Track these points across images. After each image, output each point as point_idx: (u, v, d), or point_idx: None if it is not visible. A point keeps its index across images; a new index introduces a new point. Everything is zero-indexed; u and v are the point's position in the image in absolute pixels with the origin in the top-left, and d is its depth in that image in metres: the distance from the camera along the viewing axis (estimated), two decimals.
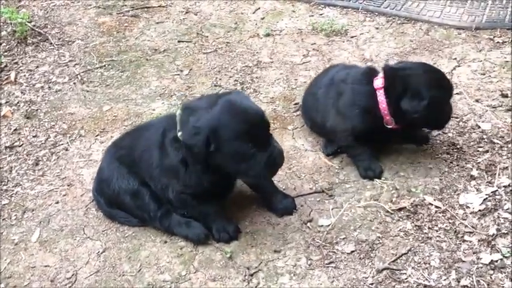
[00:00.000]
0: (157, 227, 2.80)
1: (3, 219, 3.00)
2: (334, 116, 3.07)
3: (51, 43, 4.43)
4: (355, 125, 2.97)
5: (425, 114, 2.83)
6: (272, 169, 2.58)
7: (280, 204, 2.82)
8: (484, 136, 3.23)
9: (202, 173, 2.57)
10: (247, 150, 2.48)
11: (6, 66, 4.18)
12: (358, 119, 2.97)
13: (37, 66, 4.21)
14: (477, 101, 3.56)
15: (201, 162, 2.52)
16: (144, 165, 2.74)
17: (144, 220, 2.82)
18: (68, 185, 3.17)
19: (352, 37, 4.33)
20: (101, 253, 2.76)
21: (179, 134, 2.57)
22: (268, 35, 4.41)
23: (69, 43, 4.45)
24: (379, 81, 2.97)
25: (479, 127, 3.32)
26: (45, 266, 2.73)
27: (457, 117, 3.43)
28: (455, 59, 3.98)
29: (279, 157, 2.55)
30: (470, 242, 2.62)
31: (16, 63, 4.24)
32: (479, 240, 2.62)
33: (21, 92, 3.96)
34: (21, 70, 4.16)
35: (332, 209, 2.88)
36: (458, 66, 3.91)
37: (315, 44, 4.29)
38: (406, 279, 2.49)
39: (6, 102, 3.86)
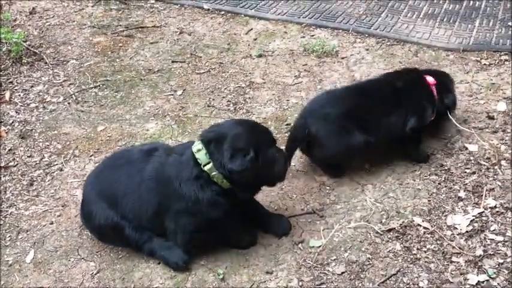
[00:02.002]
0: (142, 252, 2.82)
1: None
2: None
3: (46, 63, 4.48)
4: None
5: None
6: (287, 168, 2.82)
7: (277, 225, 2.87)
8: (471, 158, 3.31)
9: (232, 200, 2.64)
10: (275, 153, 2.69)
11: (1, 85, 4.22)
12: None
13: (32, 86, 4.25)
14: (464, 122, 3.64)
15: (251, 184, 2.62)
16: (131, 207, 2.73)
17: (129, 247, 2.84)
18: (63, 206, 3.20)
19: (342, 58, 4.42)
20: (95, 274, 2.79)
21: (208, 166, 2.57)
22: (260, 55, 4.49)
23: (64, 63, 4.50)
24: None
25: (466, 148, 3.40)
26: None
27: (445, 139, 3.51)
28: None
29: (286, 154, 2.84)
30: (458, 262, 2.68)
31: (11, 82, 4.28)
32: (466, 261, 2.68)
33: (16, 112, 4.00)
34: (16, 90, 4.21)
35: (323, 230, 2.93)
36: None
37: (306, 65, 4.37)
38: None
39: (1, 122, 3.90)
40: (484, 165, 3.24)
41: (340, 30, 4.73)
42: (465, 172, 3.22)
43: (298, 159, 3.42)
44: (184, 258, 2.74)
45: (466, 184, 3.13)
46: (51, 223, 3.10)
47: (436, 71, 3.60)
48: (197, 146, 2.63)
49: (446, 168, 3.26)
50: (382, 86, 3.28)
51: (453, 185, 3.14)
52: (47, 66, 4.43)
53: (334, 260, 2.77)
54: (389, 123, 3.10)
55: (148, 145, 2.98)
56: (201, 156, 2.58)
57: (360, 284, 2.63)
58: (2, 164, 3.52)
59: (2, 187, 3.36)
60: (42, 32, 4.86)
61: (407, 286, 2.61)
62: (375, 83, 3.39)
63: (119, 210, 2.74)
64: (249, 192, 2.71)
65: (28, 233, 3.05)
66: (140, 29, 4.88)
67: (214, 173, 2.57)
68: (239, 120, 2.78)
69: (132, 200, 2.72)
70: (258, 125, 2.78)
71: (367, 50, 4.49)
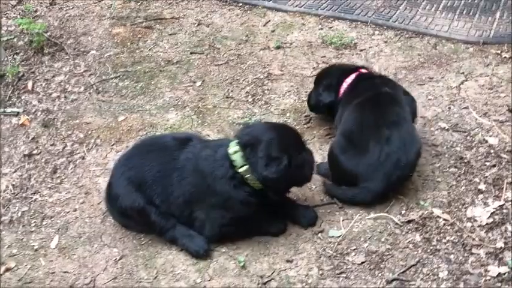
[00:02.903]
0: (164, 238, 2.88)
1: (22, 226, 3.09)
2: None
3: (66, 53, 4.53)
4: None
5: None
6: (314, 166, 2.89)
7: (303, 216, 2.92)
8: (492, 151, 3.31)
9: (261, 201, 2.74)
10: (306, 156, 2.81)
11: (23, 75, 4.28)
12: None
13: (53, 76, 4.31)
14: (484, 115, 3.63)
15: (282, 187, 2.72)
16: (160, 193, 2.80)
17: (153, 232, 2.90)
18: (85, 193, 3.26)
19: (361, 50, 4.42)
20: (118, 260, 2.84)
21: (243, 169, 2.68)
22: (278, 47, 4.50)
23: (84, 53, 4.55)
24: None
25: (486, 141, 3.39)
26: (64, 272, 2.81)
27: (464, 132, 3.51)
28: (463, 73, 4.06)
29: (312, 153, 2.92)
30: (478, 254, 2.69)
31: (33, 72, 4.34)
32: (486, 253, 2.69)
33: (38, 101, 4.06)
34: (38, 79, 4.26)
35: (342, 221, 2.95)
36: (466, 80, 3.99)
37: (324, 56, 4.38)
38: None
39: (24, 110, 3.96)
40: (505, 158, 3.24)
41: (359, 23, 4.72)
42: (485, 165, 3.22)
43: (317, 149, 3.44)
44: (204, 247, 2.79)
45: (486, 177, 3.13)
46: (75, 210, 3.16)
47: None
48: (234, 147, 2.72)
49: (466, 160, 3.26)
50: None
51: (473, 177, 3.14)
52: (67, 57, 4.49)
53: (354, 250, 2.79)
54: None
55: (181, 134, 3.07)
56: (237, 158, 2.70)
57: (380, 274, 2.66)
58: (26, 152, 3.58)
59: (26, 174, 3.43)
60: (63, 23, 4.91)
61: (427, 276, 2.62)
62: None
63: (147, 194, 2.80)
64: (279, 194, 2.81)
65: (52, 219, 3.12)
66: (159, 21, 4.91)
67: (248, 175, 2.68)
68: (272, 124, 2.89)
69: (162, 186, 2.79)
70: (289, 129, 2.88)
71: (386, 42, 4.48)
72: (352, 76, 3.39)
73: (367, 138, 2.98)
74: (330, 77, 3.48)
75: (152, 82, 4.20)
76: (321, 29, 4.67)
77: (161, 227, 2.83)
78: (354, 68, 3.50)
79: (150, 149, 2.94)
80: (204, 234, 2.83)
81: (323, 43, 4.49)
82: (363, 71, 3.47)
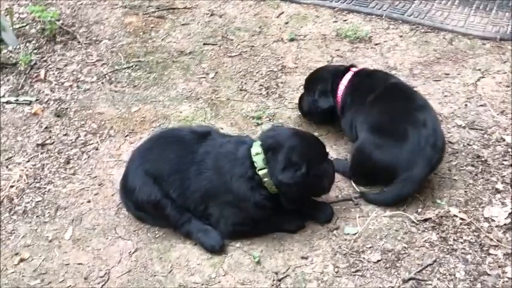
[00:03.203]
0: (179, 232, 2.87)
1: (36, 216, 3.08)
2: None
3: (79, 42, 4.50)
4: None
5: None
6: (334, 179, 2.84)
7: (322, 213, 2.90)
8: (509, 149, 3.27)
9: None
10: (326, 167, 2.77)
11: (36, 63, 4.26)
12: None
13: (66, 65, 4.29)
14: (502, 113, 3.59)
15: (298, 196, 2.70)
16: (177, 186, 2.79)
17: (167, 225, 2.89)
18: (99, 185, 3.25)
19: (376, 44, 4.37)
20: (133, 253, 2.84)
21: (262, 172, 2.66)
22: (292, 39, 4.45)
23: (97, 42, 4.52)
24: None
25: (504, 140, 3.36)
26: (79, 264, 2.80)
27: (481, 130, 3.47)
28: (480, 70, 4.01)
29: (334, 166, 2.87)
30: (496, 255, 2.67)
31: (45, 61, 4.32)
32: (504, 254, 2.67)
33: (51, 90, 4.04)
34: (50, 68, 4.24)
35: (358, 218, 2.93)
36: (483, 77, 3.94)
37: (339, 50, 4.33)
38: None
39: (37, 99, 3.94)
40: None
41: (373, 16, 4.67)
42: (502, 164, 3.19)
43: (331, 145, 3.42)
44: (220, 242, 2.79)
45: (504, 176, 3.10)
46: (89, 201, 3.15)
47: None
48: (256, 149, 2.70)
49: (483, 159, 3.23)
50: None
51: (490, 176, 3.11)
52: (80, 46, 4.46)
53: (370, 247, 2.77)
54: None
55: (199, 127, 3.03)
56: (258, 160, 2.68)
57: (396, 273, 2.64)
58: (39, 142, 3.57)
59: (39, 164, 3.41)
60: (75, 11, 4.87)
61: (444, 276, 2.61)
62: None
63: (164, 187, 2.79)
64: (294, 203, 2.77)
65: (66, 210, 3.11)
66: (171, 10, 4.86)
67: (266, 179, 2.67)
68: (297, 131, 2.85)
69: (179, 179, 2.78)
70: (313, 138, 2.85)
71: (401, 36, 4.43)
72: (348, 76, 3.31)
73: (402, 125, 2.94)
74: (323, 81, 3.35)
75: (165, 73, 4.17)
76: (336, 21, 4.62)
77: (176, 221, 2.82)
78: (345, 68, 3.40)
79: (167, 142, 2.92)
80: (218, 230, 2.81)
81: (337, 36, 4.45)
82: (355, 69, 3.39)
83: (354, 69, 3.37)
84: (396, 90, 3.17)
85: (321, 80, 3.35)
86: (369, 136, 3.03)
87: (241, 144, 2.78)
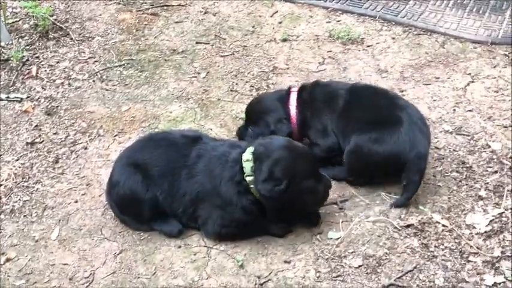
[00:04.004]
0: (140, 228, 2.93)
1: (24, 216, 3.11)
2: None
3: (71, 38, 4.51)
4: None
5: None
6: (327, 196, 2.83)
7: (308, 217, 2.94)
8: (494, 156, 3.30)
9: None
10: (312, 185, 2.73)
11: (28, 60, 4.27)
12: None
13: (58, 62, 4.30)
14: (489, 119, 3.62)
15: (278, 210, 2.73)
16: (166, 189, 2.84)
17: (137, 223, 2.94)
18: (87, 185, 3.28)
19: (368, 46, 4.38)
20: (118, 254, 2.87)
21: (249, 179, 2.70)
22: (285, 40, 4.47)
23: (89, 39, 4.53)
24: None
25: (489, 146, 3.38)
26: (64, 264, 2.84)
27: (468, 135, 3.50)
28: (470, 74, 4.03)
29: (330, 184, 2.85)
30: (475, 262, 2.70)
31: (37, 57, 4.33)
32: (483, 262, 2.70)
33: (42, 88, 4.05)
34: (42, 65, 4.25)
35: (342, 222, 2.97)
36: (472, 82, 3.96)
37: (331, 51, 4.35)
38: None
39: (28, 97, 3.96)
40: (507, 164, 3.23)
41: (367, 17, 4.68)
42: (487, 171, 3.21)
43: None
44: (178, 227, 2.88)
45: (488, 183, 3.13)
46: (76, 201, 3.18)
47: None
48: (247, 155, 2.73)
49: (468, 165, 3.26)
50: None
51: (474, 183, 3.14)
52: (72, 42, 4.47)
53: (352, 253, 2.81)
54: None
55: (191, 131, 3.07)
56: (247, 166, 2.72)
57: (376, 278, 2.68)
58: (29, 140, 3.59)
59: (28, 163, 3.44)
60: (68, 6, 4.87)
61: (423, 283, 2.64)
62: None
63: (151, 187, 2.82)
64: (275, 214, 2.80)
65: (53, 210, 3.14)
66: (165, 7, 4.87)
67: (252, 186, 2.71)
68: (290, 144, 2.80)
69: (168, 181, 2.82)
70: (304, 153, 2.82)
71: (394, 38, 4.44)
72: (294, 97, 3.29)
73: (391, 113, 3.03)
74: (273, 110, 3.30)
75: (157, 72, 4.19)
76: (329, 22, 4.63)
77: (147, 219, 2.89)
78: (286, 92, 3.39)
79: (158, 144, 2.95)
80: (205, 232, 2.85)
81: (330, 37, 4.46)
82: (295, 88, 3.37)
83: (294, 89, 3.35)
84: (362, 90, 3.27)
85: (270, 110, 3.29)
86: (362, 135, 3.04)
87: (234, 148, 2.82)
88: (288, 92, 3.33)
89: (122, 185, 2.88)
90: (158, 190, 2.84)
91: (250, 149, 2.76)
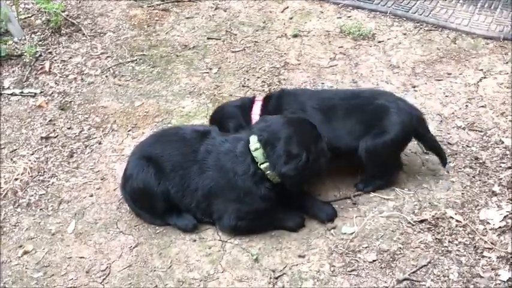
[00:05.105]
0: (155, 222, 2.96)
1: (40, 210, 3.14)
2: None
3: (83, 34, 4.53)
4: None
5: None
6: (328, 154, 2.86)
7: (322, 211, 2.95)
8: (507, 152, 3.30)
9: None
10: (322, 146, 2.81)
11: (40, 55, 4.29)
12: None
13: (70, 57, 4.32)
14: (502, 115, 3.61)
15: (302, 182, 2.77)
16: (177, 183, 2.86)
17: (151, 216, 2.97)
18: (102, 179, 3.30)
19: (379, 42, 4.38)
20: (133, 248, 2.90)
21: (264, 165, 2.72)
22: (296, 35, 4.47)
23: (101, 35, 4.55)
24: None
25: (502, 142, 3.38)
26: (81, 258, 2.87)
27: (481, 131, 3.50)
28: (482, 70, 4.02)
29: (326, 139, 2.88)
30: (489, 258, 2.71)
31: (50, 53, 4.36)
32: (498, 257, 2.71)
33: (55, 83, 4.08)
34: (55, 60, 4.28)
35: (355, 217, 2.98)
36: (485, 77, 3.96)
37: (342, 47, 4.35)
38: None
39: (41, 92, 3.99)
40: None
41: (378, 12, 4.67)
42: (500, 166, 3.21)
43: None
44: (193, 221, 2.90)
45: (501, 179, 3.13)
46: (91, 195, 3.20)
47: None
48: (255, 144, 2.75)
49: (481, 161, 3.26)
50: None
51: (487, 179, 3.15)
52: (84, 38, 4.49)
53: (366, 247, 2.82)
54: None
55: (201, 126, 3.09)
56: (259, 155, 2.74)
57: (391, 273, 2.69)
58: (44, 135, 3.62)
59: (43, 157, 3.47)
60: (80, 2, 4.90)
61: (438, 278, 2.65)
62: None
63: (163, 181, 2.85)
64: (299, 187, 2.85)
65: (69, 204, 3.16)
66: (176, 3, 4.88)
67: (268, 171, 2.72)
68: (289, 119, 2.84)
69: (179, 176, 2.84)
70: (306, 123, 2.86)
71: (405, 34, 4.44)
72: (257, 106, 3.21)
73: (373, 105, 3.04)
74: (232, 117, 3.23)
75: (169, 67, 4.21)
76: (340, 17, 4.63)
77: (161, 213, 2.92)
78: (250, 99, 3.31)
79: (169, 139, 2.98)
80: (221, 226, 2.87)
81: (341, 33, 4.46)
82: (259, 98, 3.32)
83: (259, 98, 3.31)
84: (331, 97, 3.17)
85: (231, 116, 3.23)
86: (364, 138, 3.01)
87: (238, 141, 2.83)
88: (252, 100, 3.27)
89: (135, 177, 2.91)
90: (170, 184, 2.87)
91: (254, 138, 2.78)
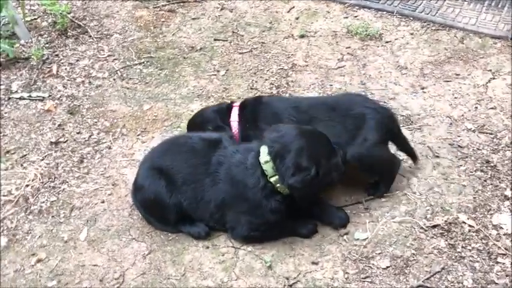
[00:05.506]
0: (167, 230, 2.96)
1: (52, 217, 3.14)
2: None
3: (90, 36, 4.51)
4: None
5: None
6: (345, 164, 2.87)
7: (335, 217, 2.95)
8: None
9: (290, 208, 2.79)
10: (335, 160, 2.79)
11: (47, 58, 4.28)
12: None
13: (77, 60, 4.31)
14: None
15: (310, 195, 2.75)
16: (190, 196, 2.86)
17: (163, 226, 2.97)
18: (113, 185, 3.30)
19: (386, 42, 4.37)
20: (147, 255, 2.90)
21: (274, 179, 2.71)
22: (302, 36, 4.46)
23: (108, 37, 4.53)
24: None
25: None
26: (94, 265, 2.87)
27: (491, 133, 3.49)
28: (490, 70, 4.01)
29: (345, 151, 2.89)
30: (503, 264, 2.71)
31: (57, 55, 4.34)
32: None
33: (63, 86, 4.07)
34: (62, 63, 4.26)
35: (368, 223, 2.98)
36: (493, 78, 3.95)
37: (349, 47, 4.33)
38: None
39: (49, 95, 3.97)
40: None
41: (384, 12, 4.66)
42: None
43: None
44: (205, 229, 2.91)
45: None
46: (103, 202, 3.20)
47: None
48: (265, 157, 2.73)
49: (492, 164, 3.26)
50: None
51: (499, 182, 3.15)
52: (91, 40, 4.47)
53: (379, 253, 2.82)
54: None
55: (210, 135, 3.02)
56: (268, 168, 2.73)
57: (405, 280, 2.69)
58: (53, 140, 3.61)
59: (54, 163, 3.46)
60: (85, 3, 4.87)
61: (452, 284, 2.66)
62: None
63: (175, 194, 2.85)
64: (307, 200, 2.84)
65: (81, 210, 3.16)
66: (181, 4, 4.86)
67: (278, 184, 2.72)
68: (302, 130, 2.80)
69: (192, 189, 2.83)
70: (318, 135, 2.83)
71: (412, 34, 4.42)
72: (235, 112, 3.19)
73: (351, 111, 3.07)
74: (211, 120, 3.23)
75: (176, 70, 4.19)
76: (346, 17, 4.62)
77: (173, 224, 2.93)
78: (227, 105, 3.29)
79: (180, 150, 2.95)
80: (234, 236, 2.88)
81: (348, 33, 4.45)
82: (236, 104, 3.29)
83: (236, 104, 3.25)
84: (308, 106, 3.15)
85: (209, 120, 3.23)
86: (352, 146, 2.99)
87: (248, 152, 2.81)
88: (229, 106, 3.24)
89: (146, 189, 2.91)
90: (182, 197, 2.87)
91: (264, 149, 2.76)
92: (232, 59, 4.27)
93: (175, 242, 2.95)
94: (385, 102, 3.69)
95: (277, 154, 2.71)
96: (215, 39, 4.46)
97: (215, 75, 4.13)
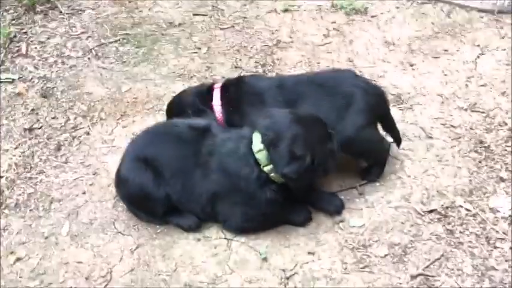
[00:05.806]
0: (154, 221, 2.82)
1: (30, 210, 2.94)
2: None
3: (60, 11, 4.24)
4: None
5: None
6: (339, 154, 2.75)
7: (330, 204, 2.86)
8: None
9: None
10: (331, 146, 2.67)
11: (15, 36, 4.00)
12: None
13: (48, 38, 4.04)
14: (503, 94, 3.55)
15: (306, 184, 2.64)
16: (180, 189, 2.71)
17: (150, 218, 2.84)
18: (94, 174, 3.11)
19: (372, 17, 4.25)
20: (134, 250, 2.75)
21: (268, 168, 2.58)
22: (286, 10, 4.29)
23: (79, 12, 4.27)
24: None
25: (506, 124, 3.32)
26: (78, 263, 2.70)
27: (483, 112, 3.43)
28: (479, 45, 3.94)
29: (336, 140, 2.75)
30: (502, 249, 2.67)
31: (25, 33, 4.06)
32: (510, 248, 2.67)
33: (34, 67, 3.81)
34: (31, 42, 3.99)
35: (363, 209, 2.89)
36: (482, 54, 3.88)
37: (335, 22, 4.20)
38: (440, 286, 2.55)
39: (20, 77, 3.72)
40: None
41: None
42: (506, 150, 3.16)
43: None
44: (196, 221, 2.77)
45: (507, 163, 3.08)
46: (84, 193, 3.02)
47: None
48: (258, 145, 2.59)
49: (486, 145, 3.20)
50: None
51: (494, 163, 3.09)
52: (62, 16, 4.20)
53: (376, 241, 2.75)
54: None
55: (197, 122, 2.83)
56: (262, 157, 2.59)
57: (404, 268, 2.63)
58: (27, 126, 3.38)
59: (29, 151, 3.25)
60: None
61: (452, 271, 2.61)
62: None
63: (163, 186, 2.70)
64: (303, 189, 2.73)
65: (61, 203, 2.98)
66: None
67: (272, 174, 2.59)
68: (296, 116, 2.64)
69: (181, 183, 2.68)
70: (315, 120, 2.68)
71: (398, 8, 4.31)
72: (217, 95, 3.00)
73: (340, 90, 2.92)
74: (191, 103, 3.04)
75: (155, 47, 3.98)
76: None
77: (160, 216, 2.79)
78: (207, 87, 3.11)
79: (165, 139, 2.78)
80: (228, 227, 2.76)
81: (333, 7, 4.31)
82: (218, 84, 3.12)
83: (217, 85, 3.06)
84: (292, 85, 3.00)
85: (189, 103, 3.05)
86: (342, 127, 2.85)
87: (241, 139, 2.66)
88: (210, 88, 3.05)
89: (131, 182, 2.74)
90: (171, 190, 2.71)
91: (257, 137, 2.61)
92: (213, 35, 4.08)
93: (164, 235, 2.81)
94: (374, 80, 3.56)
95: (270, 143, 2.57)
96: (194, 14, 4.26)
97: (196, 53, 3.94)
